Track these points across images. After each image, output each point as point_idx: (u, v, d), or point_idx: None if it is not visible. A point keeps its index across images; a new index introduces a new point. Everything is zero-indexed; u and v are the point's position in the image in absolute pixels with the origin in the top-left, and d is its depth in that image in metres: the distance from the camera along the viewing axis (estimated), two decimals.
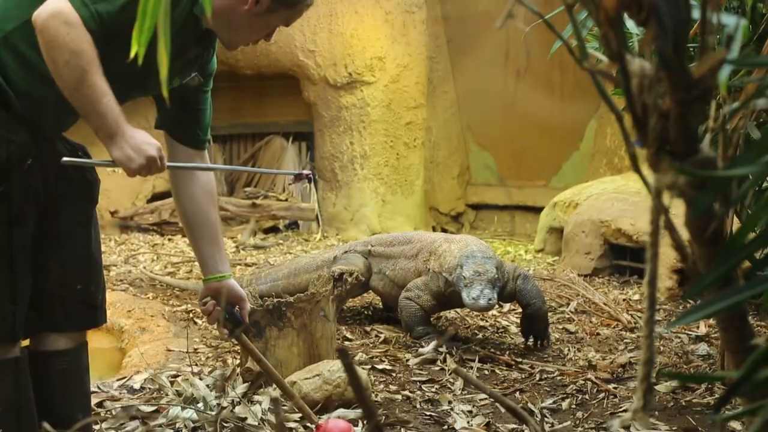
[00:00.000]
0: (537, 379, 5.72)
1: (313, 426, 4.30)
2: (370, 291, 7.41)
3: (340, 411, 4.82)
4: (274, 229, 14.10)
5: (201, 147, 4.10)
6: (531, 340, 6.51)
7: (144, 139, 3.45)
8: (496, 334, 6.90)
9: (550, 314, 7.58)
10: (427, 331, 6.45)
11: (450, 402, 5.20)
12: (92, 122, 3.38)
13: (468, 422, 4.87)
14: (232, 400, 4.90)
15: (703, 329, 6.82)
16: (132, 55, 1.58)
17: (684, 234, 1.65)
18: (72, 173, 3.69)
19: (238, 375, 5.35)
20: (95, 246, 3.89)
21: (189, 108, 3.92)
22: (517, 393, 5.44)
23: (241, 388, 5.12)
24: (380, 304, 7.65)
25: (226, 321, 4.08)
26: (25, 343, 3.79)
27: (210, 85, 4.01)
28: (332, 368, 4.99)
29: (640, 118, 1.57)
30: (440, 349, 6.01)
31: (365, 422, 4.65)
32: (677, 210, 1.57)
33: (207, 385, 5.10)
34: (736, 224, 4.72)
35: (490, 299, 5.71)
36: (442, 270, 6.23)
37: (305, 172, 4.23)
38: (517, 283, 6.25)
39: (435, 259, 6.40)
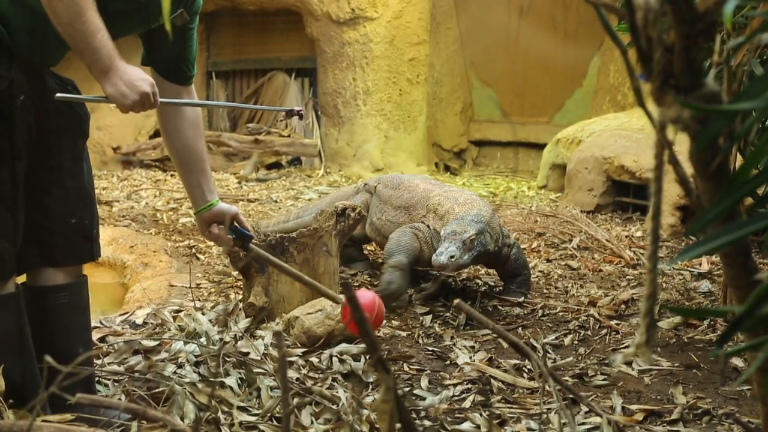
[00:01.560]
0: (539, 315, 5.74)
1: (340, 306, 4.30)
2: None
3: (343, 345, 4.83)
4: (276, 165, 14.08)
5: (188, 83, 4.09)
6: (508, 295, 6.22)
7: (137, 75, 3.43)
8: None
9: (552, 250, 7.60)
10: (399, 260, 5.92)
11: (452, 337, 5.22)
12: (85, 58, 3.34)
13: (470, 357, 4.89)
14: (235, 335, 4.91)
15: (705, 266, 6.82)
16: None
17: (688, 169, 1.65)
18: (63, 108, 3.67)
19: (240, 310, 5.37)
20: (88, 180, 3.88)
21: (176, 45, 3.89)
22: (520, 329, 5.45)
23: (243, 322, 5.14)
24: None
25: (235, 240, 4.10)
26: (22, 278, 3.79)
27: (196, 22, 3.99)
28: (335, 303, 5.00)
29: (645, 51, 1.56)
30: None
31: (368, 356, 4.67)
32: (680, 147, 1.56)
33: (209, 320, 5.12)
34: (739, 162, 4.70)
35: (452, 256, 5.28)
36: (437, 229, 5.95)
37: (296, 108, 4.21)
38: (512, 252, 6.04)
39: (434, 217, 6.09)
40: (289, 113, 4.21)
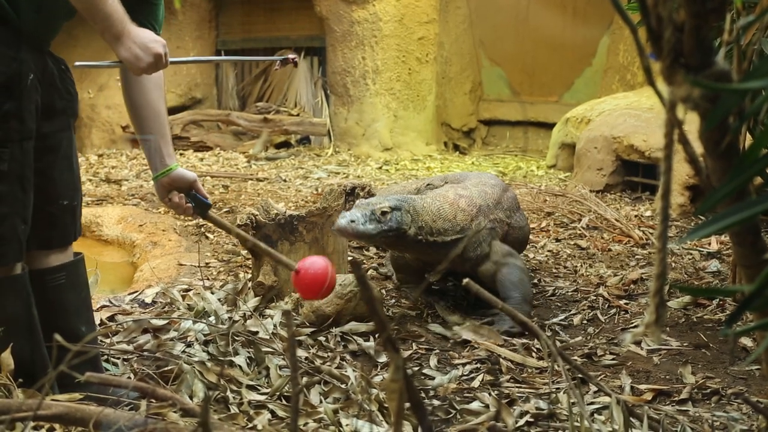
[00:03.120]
0: (549, 294, 5.73)
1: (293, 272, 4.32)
2: None
3: (352, 324, 4.84)
4: (285, 144, 14.10)
5: None
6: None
7: (150, 37, 3.49)
8: None
9: (561, 230, 7.59)
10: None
11: (462, 317, 5.22)
12: (98, 24, 3.37)
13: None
14: (244, 314, 4.92)
15: (714, 246, 6.82)
16: None
17: (697, 148, 1.64)
18: (60, 87, 3.67)
19: (249, 289, 5.37)
20: (76, 160, 3.88)
21: (145, 3, 3.87)
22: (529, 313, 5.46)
23: (252, 301, 5.14)
24: None
25: (194, 208, 4.08)
26: None
27: None
28: (344, 282, 4.99)
29: (655, 30, 1.55)
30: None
31: (377, 336, 4.67)
32: (690, 126, 1.55)
33: (218, 299, 5.12)
34: (748, 141, 4.69)
35: (352, 220, 4.85)
36: None
37: (291, 56, 4.22)
38: (503, 270, 5.26)
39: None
40: (284, 62, 4.21)
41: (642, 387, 4.15)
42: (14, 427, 2.99)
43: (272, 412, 3.73)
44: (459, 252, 5.15)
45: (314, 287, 3.86)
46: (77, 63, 3.55)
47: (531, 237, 7.31)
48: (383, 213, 4.88)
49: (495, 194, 5.46)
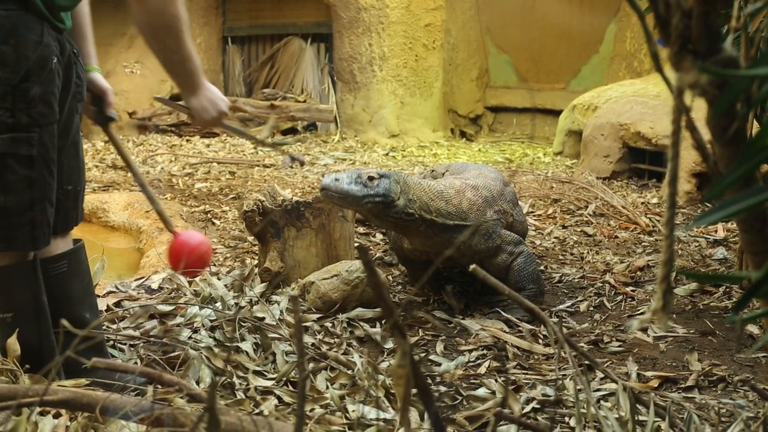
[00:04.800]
0: (555, 281, 5.73)
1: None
2: None
3: (359, 310, 4.84)
4: (292, 131, 14.11)
5: None
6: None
7: (218, 95, 3.88)
8: None
9: (568, 217, 7.59)
10: None
11: (468, 303, 5.22)
12: (180, 78, 3.78)
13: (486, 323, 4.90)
14: (250, 300, 4.92)
15: (721, 233, 6.81)
16: None
17: (705, 134, 1.64)
18: (73, 71, 3.66)
19: (256, 275, 5.38)
20: (81, 145, 3.90)
21: None
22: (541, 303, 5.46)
23: (259, 287, 5.15)
24: None
25: (97, 114, 4.10)
26: None
27: None
28: (350, 268, 5.00)
29: (663, 16, 1.54)
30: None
31: (384, 322, 4.68)
32: (698, 114, 1.55)
33: (225, 285, 5.13)
34: (755, 128, 4.68)
35: (336, 179, 4.73)
36: None
37: (298, 158, 4.40)
38: (517, 261, 5.24)
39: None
40: (292, 159, 4.39)
41: (648, 374, 4.16)
42: (21, 412, 3.00)
43: (279, 398, 3.74)
44: (466, 241, 5.05)
45: (179, 257, 4.02)
46: (157, 96, 4.09)
47: (537, 224, 7.32)
48: (370, 178, 4.75)
49: (497, 186, 5.41)
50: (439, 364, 4.29)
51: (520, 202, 5.85)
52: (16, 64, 3.33)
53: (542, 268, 6.00)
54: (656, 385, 4.01)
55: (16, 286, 3.56)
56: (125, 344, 4.34)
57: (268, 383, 3.88)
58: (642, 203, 8.29)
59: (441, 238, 4.99)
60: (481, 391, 3.88)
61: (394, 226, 5.04)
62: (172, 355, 4.04)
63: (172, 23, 3.63)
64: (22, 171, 3.41)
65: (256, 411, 3.53)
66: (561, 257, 6.36)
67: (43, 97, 3.40)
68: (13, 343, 3.52)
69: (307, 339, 4.46)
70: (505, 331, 4.74)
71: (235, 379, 3.84)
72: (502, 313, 5.00)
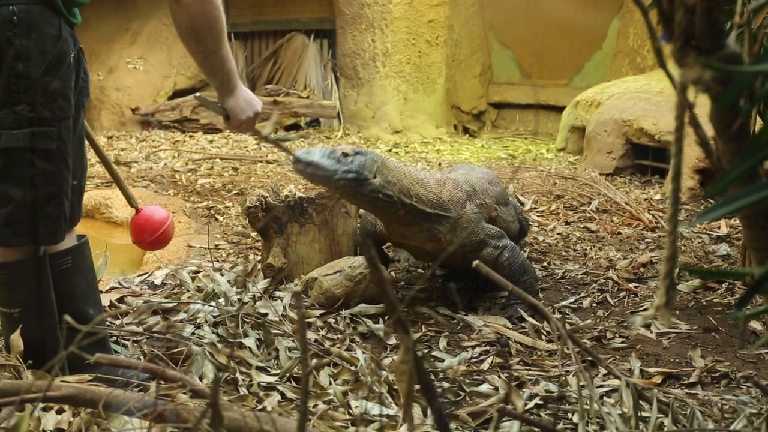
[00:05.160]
0: (558, 277, 5.73)
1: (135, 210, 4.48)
2: None
3: (361, 306, 4.85)
4: (295, 126, 14.10)
5: None
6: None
7: (252, 96, 3.97)
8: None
9: (571, 213, 7.58)
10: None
11: (471, 300, 5.22)
12: (218, 78, 3.82)
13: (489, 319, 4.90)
14: (253, 296, 4.93)
15: (724, 229, 6.80)
16: None
17: (708, 130, 1.64)
18: (80, 67, 3.67)
19: (259, 271, 5.38)
20: (84, 141, 3.90)
21: None
22: (539, 291, 5.45)
23: (262, 283, 5.15)
24: None
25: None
26: None
27: None
28: (353, 264, 5.01)
29: (667, 12, 1.55)
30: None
31: (387, 317, 4.68)
32: (701, 110, 1.55)
33: (228, 281, 5.13)
34: (759, 124, 4.68)
35: (308, 152, 4.55)
36: None
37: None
38: (505, 256, 5.14)
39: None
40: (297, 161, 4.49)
41: (651, 370, 4.15)
42: (24, 408, 3.01)
43: (282, 394, 3.74)
44: (449, 235, 4.93)
45: (143, 232, 4.09)
46: (197, 94, 4.01)
47: (540, 220, 7.31)
48: (344, 154, 4.59)
49: (481, 184, 5.36)
50: (442, 360, 4.29)
51: (523, 198, 5.86)
52: (37, 59, 3.35)
53: (545, 263, 6.00)
54: (659, 382, 4.01)
55: (26, 282, 3.57)
56: (128, 340, 4.35)
57: (271, 379, 3.89)
58: (645, 199, 8.28)
59: (420, 226, 4.90)
60: (484, 387, 3.88)
61: (371, 207, 4.89)
62: (175, 351, 4.04)
63: (213, 24, 3.67)
64: (41, 165, 3.44)
65: (259, 407, 3.53)
66: (564, 253, 6.35)
67: (62, 92, 3.43)
68: (17, 339, 3.53)
69: (310, 335, 4.47)
70: (508, 327, 4.74)
71: (238, 375, 3.84)
72: (503, 313, 5.00)
